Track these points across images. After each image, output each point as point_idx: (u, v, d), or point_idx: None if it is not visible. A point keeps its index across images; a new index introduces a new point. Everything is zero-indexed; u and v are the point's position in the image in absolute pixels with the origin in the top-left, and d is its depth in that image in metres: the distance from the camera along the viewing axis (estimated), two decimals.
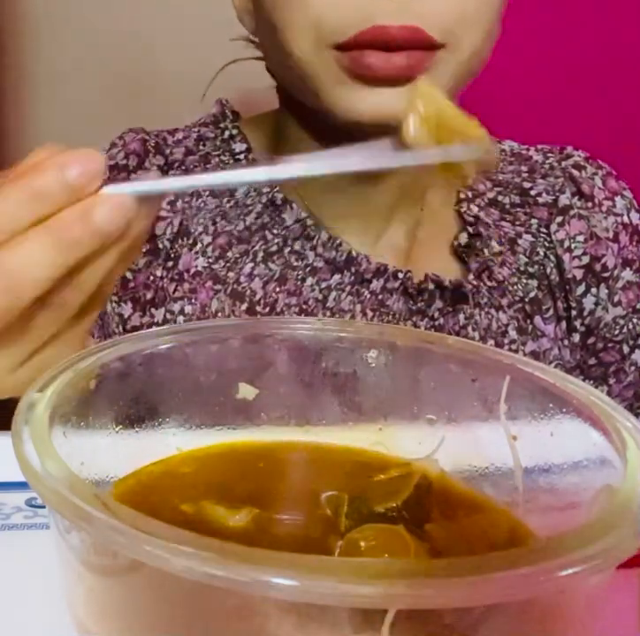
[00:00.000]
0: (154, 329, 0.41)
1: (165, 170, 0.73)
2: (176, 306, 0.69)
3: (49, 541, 0.30)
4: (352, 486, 0.38)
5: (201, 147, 0.75)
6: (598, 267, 0.73)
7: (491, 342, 0.70)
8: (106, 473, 0.37)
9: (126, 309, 0.70)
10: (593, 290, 0.73)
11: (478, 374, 0.40)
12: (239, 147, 0.74)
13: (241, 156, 0.74)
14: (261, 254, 0.70)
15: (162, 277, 0.70)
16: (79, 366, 0.36)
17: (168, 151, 0.74)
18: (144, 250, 0.70)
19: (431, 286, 0.69)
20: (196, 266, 0.70)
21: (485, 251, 0.71)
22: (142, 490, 0.38)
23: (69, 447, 0.32)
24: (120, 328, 0.69)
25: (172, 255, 0.70)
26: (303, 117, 0.69)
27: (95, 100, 1.16)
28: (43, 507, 0.43)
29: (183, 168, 0.73)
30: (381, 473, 0.39)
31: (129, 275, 0.69)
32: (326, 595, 0.23)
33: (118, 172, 0.71)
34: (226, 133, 0.75)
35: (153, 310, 0.69)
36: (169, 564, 0.24)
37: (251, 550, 0.23)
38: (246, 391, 0.43)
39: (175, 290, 0.70)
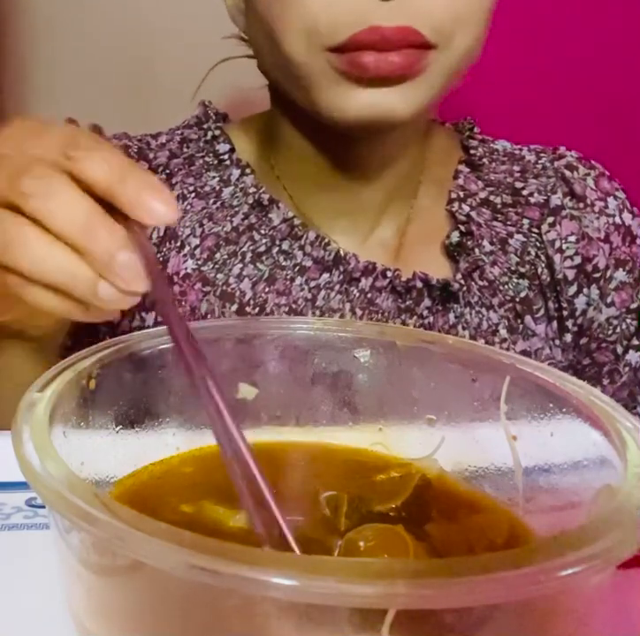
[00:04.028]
0: (154, 329, 0.41)
1: None
2: None
3: (49, 541, 0.30)
4: (352, 486, 0.38)
5: (184, 150, 0.75)
6: (589, 267, 0.73)
7: (482, 341, 0.70)
8: (106, 473, 0.37)
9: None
10: (585, 290, 0.73)
11: (478, 374, 0.40)
12: (222, 147, 0.74)
13: (225, 157, 0.74)
14: (249, 255, 0.70)
15: None
16: (79, 366, 0.36)
17: (151, 155, 0.73)
18: None
19: (419, 284, 0.69)
20: (185, 268, 0.70)
21: (476, 250, 0.71)
22: (142, 490, 0.38)
23: (69, 447, 0.32)
24: (109, 335, 0.69)
25: (160, 259, 0.70)
26: (295, 116, 0.69)
27: (96, 100, 1.16)
28: (43, 507, 0.43)
29: (167, 172, 0.73)
30: (381, 473, 0.39)
31: None
32: (326, 595, 0.23)
33: None
34: (209, 134, 0.75)
35: (143, 314, 0.69)
36: (169, 564, 0.24)
37: (251, 550, 0.23)
38: (246, 391, 0.43)
39: None
